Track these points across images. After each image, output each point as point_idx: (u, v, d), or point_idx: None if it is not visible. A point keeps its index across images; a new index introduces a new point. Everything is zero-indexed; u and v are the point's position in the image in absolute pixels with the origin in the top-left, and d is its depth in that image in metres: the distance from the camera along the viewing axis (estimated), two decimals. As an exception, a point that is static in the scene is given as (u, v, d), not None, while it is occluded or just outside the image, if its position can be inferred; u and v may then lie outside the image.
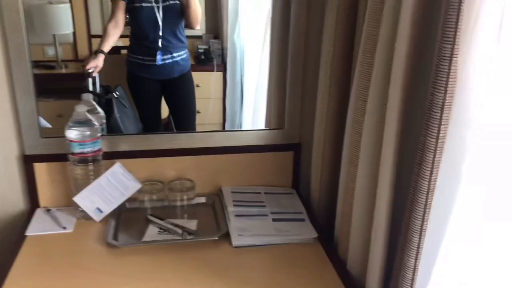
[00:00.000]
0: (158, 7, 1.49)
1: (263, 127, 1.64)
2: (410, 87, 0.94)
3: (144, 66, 1.57)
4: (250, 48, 1.68)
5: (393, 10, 0.93)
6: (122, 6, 1.50)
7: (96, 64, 1.51)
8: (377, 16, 0.99)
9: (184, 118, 1.68)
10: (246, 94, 1.73)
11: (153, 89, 1.61)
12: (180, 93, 1.66)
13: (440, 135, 0.83)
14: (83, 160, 1.30)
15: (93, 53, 1.52)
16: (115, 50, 1.55)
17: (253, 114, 1.73)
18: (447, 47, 0.78)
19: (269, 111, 1.62)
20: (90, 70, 1.50)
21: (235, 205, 1.42)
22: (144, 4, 1.49)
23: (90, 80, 1.51)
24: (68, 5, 1.48)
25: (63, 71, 1.56)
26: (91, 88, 1.51)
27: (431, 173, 0.86)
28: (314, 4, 1.39)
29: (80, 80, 1.56)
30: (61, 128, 1.35)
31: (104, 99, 1.52)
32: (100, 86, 1.53)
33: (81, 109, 1.27)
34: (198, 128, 1.69)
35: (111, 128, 1.51)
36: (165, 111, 1.66)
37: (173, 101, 1.65)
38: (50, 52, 1.51)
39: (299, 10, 1.39)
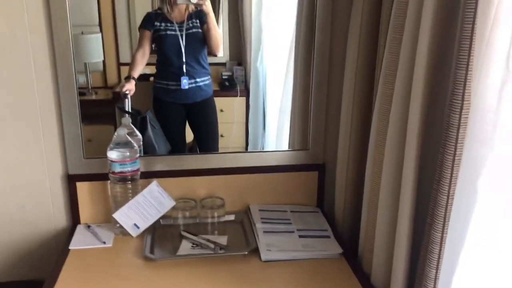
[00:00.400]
0: (181, 35, 1.60)
1: (286, 146, 1.72)
2: (429, 109, 1.02)
3: (169, 91, 1.66)
4: (272, 74, 1.76)
5: (411, 42, 1.02)
6: (148, 35, 1.60)
7: (131, 87, 1.61)
8: (397, 45, 1.08)
9: (207, 142, 1.76)
10: (268, 118, 1.80)
11: (177, 112, 1.70)
12: (203, 117, 1.74)
13: (457, 153, 0.90)
14: (123, 179, 1.40)
15: (125, 79, 1.62)
16: (143, 77, 1.65)
17: (276, 137, 1.81)
18: (461, 73, 0.86)
19: (293, 133, 1.69)
20: (126, 92, 1.60)
21: (263, 222, 1.49)
22: (168, 32, 1.60)
23: (126, 101, 1.61)
24: (99, 35, 1.58)
25: (93, 97, 1.66)
26: (127, 108, 1.61)
27: (449, 188, 0.93)
28: (337, 31, 1.48)
29: (109, 106, 1.66)
30: (90, 152, 1.47)
31: (139, 118, 1.62)
32: (132, 109, 1.63)
33: (122, 132, 1.38)
34: (222, 151, 1.74)
35: (145, 145, 1.59)
36: (190, 136, 1.74)
37: (196, 125, 1.73)
38: (81, 79, 1.58)
39: (323, 38, 1.49)
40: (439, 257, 0.97)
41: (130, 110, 1.62)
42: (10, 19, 1.32)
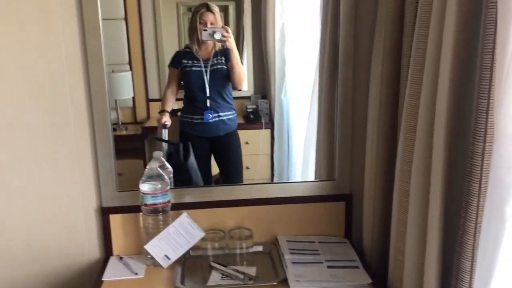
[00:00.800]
0: (206, 71, 1.67)
1: (312, 178, 1.74)
2: (453, 137, 1.03)
3: (193, 125, 1.72)
4: (297, 105, 1.80)
5: (432, 72, 1.05)
6: (176, 73, 1.69)
7: (168, 119, 1.69)
8: (419, 76, 1.10)
9: (231, 175, 1.80)
10: (294, 149, 1.83)
11: (201, 146, 1.74)
12: (227, 151, 1.79)
13: (483, 180, 0.91)
14: (154, 210, 1.45)
15: (159, 113, 1.70)
16: (172, 112, 1.72)
17: (302, 168, 1.83)
18: (483, 102, 0.89)
19: (319, 163, 1.72)
20: (166, 123, 1.68)
21: (291, 253, 1.50)
22: (194, 68, 1.68)
23: (166, 131, 1.69)
24: (129, 73, 1.67)
25: (123, 132, 1.73)
26: (166, 138, 1.70)
27: (477, 216, 0.94)
28: (360, 66, 1.52)
29: (139, 141, 1.74)
30: (121, 185, 1.52)
31: (182, 145, 1.69)
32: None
33: (154, 165, 1.43)
34: (249, 183, 1.77)
35: (189, 171, 1.66)
36: (217, 169, 1.78)
37: (220, 158, 1.78)
38: (112, 115, 1.63)
39: (346, 73, 1.52)
40: (470, 286, 0.97)
41: (167, 140, 1.70)
42: (50, 60, 1.41)
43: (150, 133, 1.75)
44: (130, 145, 1.74)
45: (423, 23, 1.08)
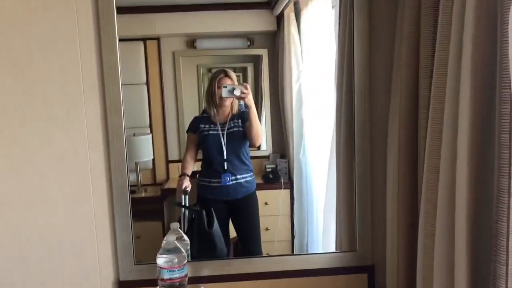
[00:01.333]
0: (223, 134, 1.70)
1: (333, 244, 1.69)
2: (475, 216, 1.00)
3: (211, 188, 1.73)
4: (315, 167, 1.80)
5: (451, 129, 1.03)
6: (194, 138, 1.72)
7: (188, 184, 1.70)
8: (437, 151, 1.09)
9: (249, 239, 1.78)
10: (314, 210, 1.81)
11: (219, 209, 1.73)
12: (245, 215, 1.78)
13: (509, 261, 0.88)
14: (171, 285, 1.41)
15: (179, 177, 1.72)
16: (193, 174, 1.74)
17: (323, 231, 1.78)
18: (504, 181, 0.87)
19: (339, 231, 1.67)
20: (187, 189, 1.69)
21: (313, 329, 1.45)
22: (211, 132, 1.71)
23: (186, 197, 1.69)
24: (149, 136, 1.71)
25: (143, 194, 1.74)
26: (187, 203, 1.69)
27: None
28: (376, 135, 1.51)
29: (158, 203, 1.75)
30: (139, 249, 1.50)
31: (205, 211, 1.68)
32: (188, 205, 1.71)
33: (171, 238, 1.42)
34: (267, 245, 1.76)
35: (213, 238, 1.65)
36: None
37: (237, 222, 1.77)
38: (132, 177, 1.64)
39: (363, 142, 1.51)
40: None
41: (188, 206, 1.70)
42: (73, 137, 1.45)
43: (169, 195, 1.76)
44: (149, 207, 1.75)
45: (438, 99, 1.08)
